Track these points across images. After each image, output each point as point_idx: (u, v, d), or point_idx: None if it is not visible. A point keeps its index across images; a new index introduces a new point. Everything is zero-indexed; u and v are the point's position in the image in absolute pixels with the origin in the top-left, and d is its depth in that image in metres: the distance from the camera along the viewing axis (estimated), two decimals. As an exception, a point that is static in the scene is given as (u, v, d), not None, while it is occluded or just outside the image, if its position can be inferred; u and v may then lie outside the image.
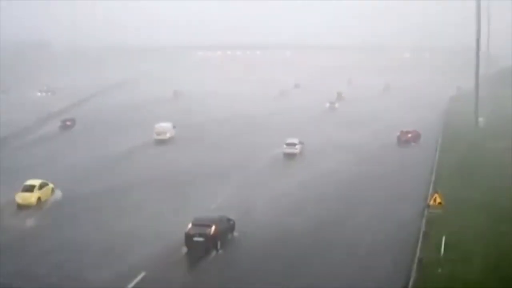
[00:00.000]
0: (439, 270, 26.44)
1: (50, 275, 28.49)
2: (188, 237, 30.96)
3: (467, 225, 32.78)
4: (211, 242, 30.83)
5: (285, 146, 56.06)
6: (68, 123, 76.77)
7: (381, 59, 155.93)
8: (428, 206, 32.16)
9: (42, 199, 42.23)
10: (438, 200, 31.02)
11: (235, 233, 33.31)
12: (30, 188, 42.15)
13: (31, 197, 41.60)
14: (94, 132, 71.71)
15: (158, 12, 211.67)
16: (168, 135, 66.12)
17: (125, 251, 31.27)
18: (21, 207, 41.07)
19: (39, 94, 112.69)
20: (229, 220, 33.33)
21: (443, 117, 76.30)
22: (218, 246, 31.11)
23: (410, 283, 25.19)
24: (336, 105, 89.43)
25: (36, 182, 42.98)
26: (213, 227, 31.19)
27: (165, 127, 67.39)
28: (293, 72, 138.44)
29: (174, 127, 67.86)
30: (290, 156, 55.23)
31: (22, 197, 41.52)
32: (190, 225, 31.55)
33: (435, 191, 32.61)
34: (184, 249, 30.93)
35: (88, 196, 42.71)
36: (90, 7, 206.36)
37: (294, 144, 56.18)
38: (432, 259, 27.36)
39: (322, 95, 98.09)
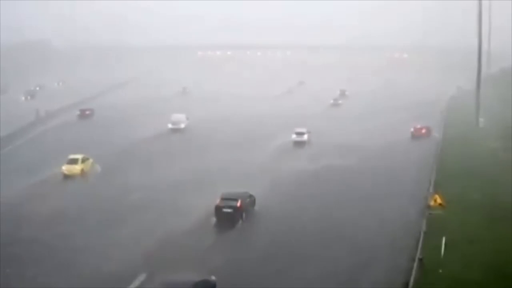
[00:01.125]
0: (440, 271, 26.47)
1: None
2: (218, 208, 36.06)
3: (467, 225, 32.79)
4: (238, 213, 35.87)
5: (294, 135, 61.68)
6: (88, 112, 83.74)
7: (381, 59, 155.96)
8: (429, 207, 32.13)
9: (85, 171, 49.97)
10: (439, 201, 31.00)
11: (256, 208, 37.89)
12: (75, 161, 50.18)
13: (76, 168, 49.49)
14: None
15: (157, 12, 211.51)
16: (182, 125, 71.95)
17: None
18: (67, 177, 48.86)
19: (23, 98, 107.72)
20: (251, 196, 38.02)
21: (444, 117, 76.33)
22: (243, 217, 36.08)
23: (411, 284, 25.23)
24: (340, 101, 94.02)
25: (79, 156, 51.01)
26: (240, 200, 36.34)
27: (179, 117, 73.17)
28: (295, 71, 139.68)
29: (187, 118, 73.30)
30: (299, 144, 60.67)
31: (68, 169, 49.39)
32: (219, 199, 36.48)
33: (436, 192, 32.60)
34: (214, 220, 35.97)
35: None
36: (91, 7, 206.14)
37: (303, 133, 62.02)
38: (432, 258, 27.42)
39: (326, 92, 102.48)
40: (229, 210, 35.82)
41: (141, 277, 27.76)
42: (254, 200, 38.23)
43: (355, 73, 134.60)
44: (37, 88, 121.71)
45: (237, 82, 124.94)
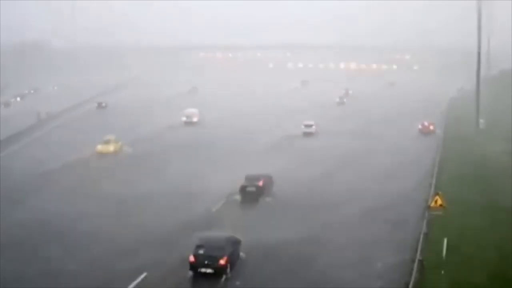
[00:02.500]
0: (442, 272, 26.44)
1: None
2: (243, 188, 40.95)
3: (468, 226, 32.79)
4: (260, 192, 40.72)
5: (303, 126, 68.32)
6: (103, 104, 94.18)
7: (381, 60, 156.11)
8: (429, 207, 32.09)
9: (116, 150, 58.29)
10: (439, 202, 30.93)
11: (274, 188, 42.46)
12: (108, 141, 58.97)
13: (109, 147, 58.30)
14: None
15: (157, 12, 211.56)
16: (195, 118, 77.21)
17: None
18: (101, 155, 57.35)
19: (12, 100, 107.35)
20: (270, 177, 42.90)
21: (444, 117, 76.37)
22: (264, 195, 40.86)
23: (411, 285, 25.21)
24: (345, 99, 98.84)
25: (112, 137, 60.01)
26: (261, 181, 41.36)
27: (193, 111, 78.64)
28: (296, 71, 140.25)
29: (199, 113, 78.66)
30: (307, 135, 67.41)
31: (102, 148, 58.05)
32: (243, 180, 41.44)
33: (436, 193, 32.54)
34: (238, 197, 40.91)
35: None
36: (91, 7, 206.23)
37: (311, 125, 68.62)
38: (433, 261, 27.41)
39: (330, 91, 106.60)
40: (252, 189, 40.86)
41: (142, 276, 27.61)
42: (272, 181, 42.95)
43: (356, 74, 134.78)
44: (32, 91, 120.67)
45: (242, 82, 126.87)
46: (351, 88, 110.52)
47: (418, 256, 27.69)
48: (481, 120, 67.43)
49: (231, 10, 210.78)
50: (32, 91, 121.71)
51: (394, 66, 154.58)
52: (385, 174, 47.63)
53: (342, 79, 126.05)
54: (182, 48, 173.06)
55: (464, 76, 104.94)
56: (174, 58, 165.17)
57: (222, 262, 26.95)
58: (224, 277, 27.04)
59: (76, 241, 32.68)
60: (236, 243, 29.03)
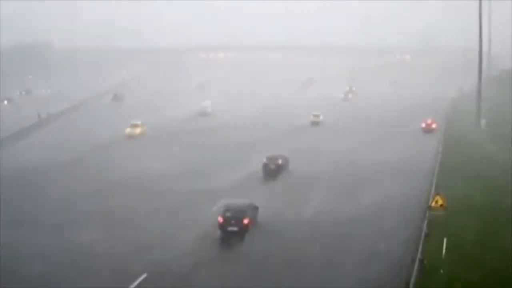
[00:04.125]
0: (441, 271, 26.46)
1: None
2: (265, 165, 48.60)
3: (468, 226, 32.77)
4: (279, 169, 48.35)
5: (312, 117, 76.19)
6: (119, 95, 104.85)
7: (382, 61, 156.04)
8: (430, 208, 32.10)
9: (142, 133, 67.72)
10: (440, 202, 30.94)
11: (290, 167, 49.58)
12: (136, 125, 68.62)
13: (136, 131, 67.65)
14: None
15: (157, 13, 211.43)
16: (209, 109, 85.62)
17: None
18: (129, 137, 66.87)
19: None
20: (287, 157, 50.11)
21: (445, 117, 76.38)
22: (283, 172, 48.40)
23: (411, 285, 25.22)
24: (349, 95, 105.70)
25: (139, 121, 69.68)
26: (281, 160, 49.01)
27: (206, 104, 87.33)
28: (298, 71, 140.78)
29: (212, 105, 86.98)
30: (315, 123, 75.13)
31: (130, 131, 67.68)
32: (265, 159, 48.81)
33: (437, 193, 32.56)
34: (261, 174, 48.09)
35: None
36: (91, 8, 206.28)
37: (318, 115, 76.61)
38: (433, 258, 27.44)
39: (334, 89, 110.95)
40: (273, 167, 48.33)
41: (142, 277, 27.73)
42: (289, 160, 50.20)
43: (358, 73, 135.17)
44: (23, 93, 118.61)
45: (246, 80, 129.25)
46: (354, 86, 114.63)
47: (418, 256, 27.75)
48: (483, 120, 67.44)
49: (231, 11, 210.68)
50: (23, 93, 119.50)
51: (395, 66, 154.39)
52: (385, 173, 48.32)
53: (345, 78, 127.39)
54: (182, 49, 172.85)
55: (464, 77, 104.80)
56: (175, 59, 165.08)
57: (245, 221, 33.46)
58: (246, 234, 33.13)
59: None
60: (255, 208, 35.39)
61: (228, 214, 33.51)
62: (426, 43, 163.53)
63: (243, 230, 33.21)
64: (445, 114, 79.77)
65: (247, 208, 34.39)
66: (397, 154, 54.68)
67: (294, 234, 33.28)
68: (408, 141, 62.38)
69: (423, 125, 69.07)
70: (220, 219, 33.50)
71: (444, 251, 27.50)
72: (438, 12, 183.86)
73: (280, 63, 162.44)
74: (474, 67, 71.52)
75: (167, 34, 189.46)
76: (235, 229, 33.17)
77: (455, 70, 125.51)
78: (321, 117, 76.02)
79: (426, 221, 32.50)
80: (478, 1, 67.70)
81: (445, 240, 28.37)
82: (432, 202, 31.91)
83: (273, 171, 48.19)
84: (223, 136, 65.90)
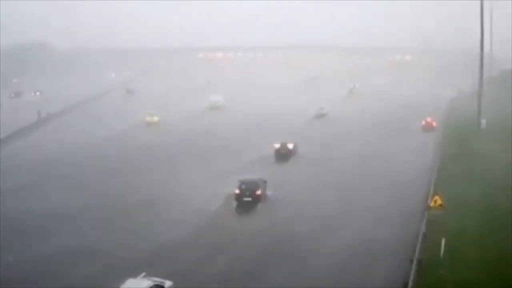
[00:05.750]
0: (440, 271, 26.45)
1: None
2: (277, 151, 55.73)
3: (467, 226, 32.77)
4: (290, 154, 55.76)
5: (318, 109, 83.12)
6: (131, 89, 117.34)
7: (382, 61, 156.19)
8: (429, 207, 32.07)
9: (159, 120, 79.08)
10: (439, 202, 30.92)
11: (299, 151, 57.26)
12: (153, 114, 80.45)
13: (154, 118, 79.85)
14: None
15: (157, 13, 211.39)
16: (220, 103, 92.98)
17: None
18: (148, 124, 78.43)
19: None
20: (296, 144, 57.19)
21: (445, 117, 76.42)
22: (293, 156, 55.93)
23: (410, 285, 25.22)
24: (353, 91, 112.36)
25: (155, 111, 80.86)
26: (291, 145, 56.28)
27: (217, 98, 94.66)
28: (299, 71, 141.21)
29: (223, 99, 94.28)
30: (321, 116, 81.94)
31: (149, 118, 79.75)
32: (277, 145, 55.82)
33: (436, 193, 32.53)
34: (273, 158, 55.31)
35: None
36: (92, 9, 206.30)
37: (323, 108, 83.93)
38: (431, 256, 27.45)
39: (337, 87, 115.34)
40: (284, 151, 55.47)
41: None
42: (297, 146, 57.48)
43: (359, 73, 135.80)
44: (12, 95, 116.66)
45: (250, 78, 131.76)
46: (357, 83, 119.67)
47: (416, 255, 27.75)
48: (483, 120, 67.36)
49: (231, 10, 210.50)
50: (12, 95, 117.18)
51: (395, 66, 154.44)
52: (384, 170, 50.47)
53: (346, 77, 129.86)
54: (182, 49, 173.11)
55: (465, 77, 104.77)
56: (175, 59, 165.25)
57: (258, 193, 40.72)
58: (259, 203, 40.40)
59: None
60: (265, 182, 42.41)
61: (243, 187, 40.54)
62: (426, 44, 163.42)
63: (257, 200, 40.36)
64: (445, 113, 79.83)
65: (258, 182, 41.39)
66: (396, 152, 56.96)
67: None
68: (407, 139, 63.93)
69: (423, 123, 70.32)
70: (237, 191, 40.49)
71: (442, 250, 27.50)
72: (438, 13, 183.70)
73: (279, 63, 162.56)
74: (474, 68, 71.53)
75: (166, 33, 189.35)
76: (249, 199, 40.23)
77: (455, 71, 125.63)
78: (325, 110, 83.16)
79: (424, 221, 32.53)
80: (478, 2, 67.60)
81: (443, 240, 28.37)
82: (431, 202, 31.88)
83: (283, 155, 55.53)
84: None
